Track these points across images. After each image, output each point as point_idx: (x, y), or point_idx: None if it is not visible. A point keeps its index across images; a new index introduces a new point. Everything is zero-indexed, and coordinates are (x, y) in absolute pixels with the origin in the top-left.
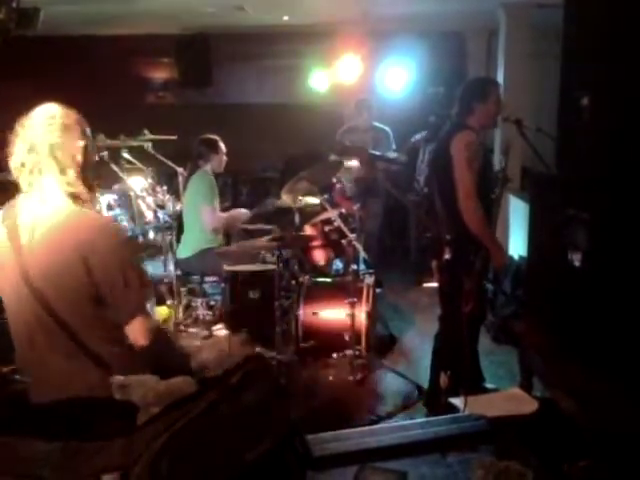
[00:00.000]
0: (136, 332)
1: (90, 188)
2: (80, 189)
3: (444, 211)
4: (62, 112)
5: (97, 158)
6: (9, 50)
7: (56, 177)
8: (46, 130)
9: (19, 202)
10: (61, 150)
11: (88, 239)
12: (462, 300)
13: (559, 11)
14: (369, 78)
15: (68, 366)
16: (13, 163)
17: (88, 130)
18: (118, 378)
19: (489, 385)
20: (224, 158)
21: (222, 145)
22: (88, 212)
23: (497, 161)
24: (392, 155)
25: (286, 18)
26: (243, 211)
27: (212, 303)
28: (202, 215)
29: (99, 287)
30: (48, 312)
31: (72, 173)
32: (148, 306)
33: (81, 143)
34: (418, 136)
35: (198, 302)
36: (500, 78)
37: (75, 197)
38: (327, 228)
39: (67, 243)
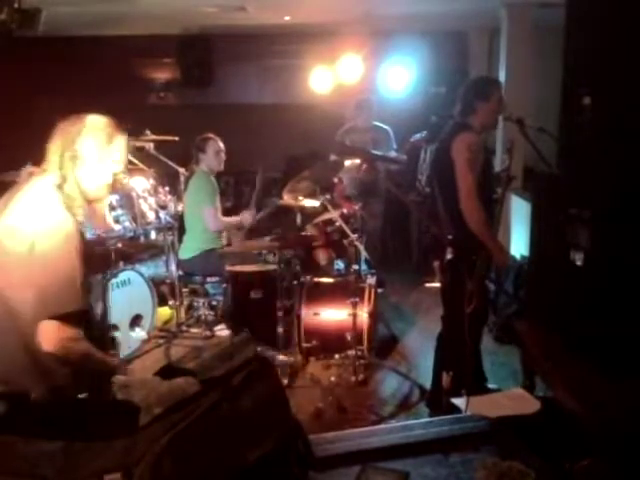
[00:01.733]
0: (43, 336)
1: (89, 202)
2: (76, 201)
3: (446, 211)
4: (110, 125)
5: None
6: (11, 51)
7: (60, 182)
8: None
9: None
10: (82, 162)
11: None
12: (464, 300)
13: (561, 10)
14: (371, 78)
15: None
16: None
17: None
18: (120, 378)
19: (491, 385)
20: (219, 156)
21: (214, 144)
22: (40, 215)
23: (499, 161)
24: (392, 155)
25: (287, 18)
26: (247, 215)
27: (214, 303)
28: (204, 217)
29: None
30: None
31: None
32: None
33: (98, 153)
34: (418, 136)
35: (200, 302)
36: (502, 77)
37: (67, 203)
38: (329, 228)
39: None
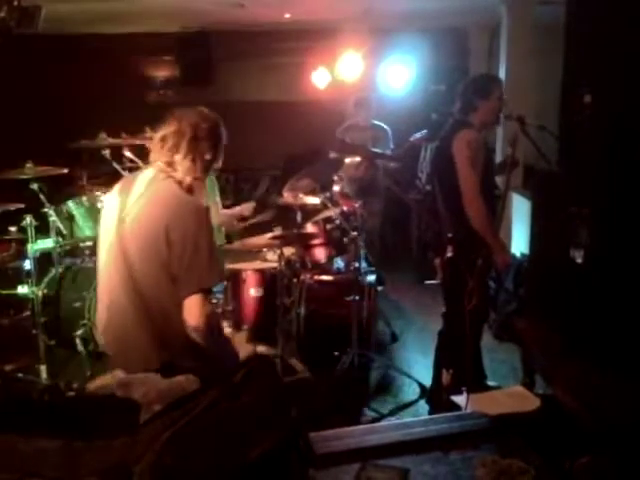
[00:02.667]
0: (190, 310)
1: (201, 181)
2: (197, 176)
3: (446, 209)
4: (215, 118)
5: (214, 172)
6: (11, 48)
7: (184, 161)
8: (199, 124)
9: (137, 175)
10: (200, 144)
11: (175, 212)
12: (465, 298)
13: (561, 8)
14: (370, 75)
15: (132, 331)
16: (158, 135)
17: (224, 142)
18: (120, 376)
19: (491, 383)
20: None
21: None
22: (184, 194)
23: (500, 159)
24: (389, 153)
25: (287, 15)
26: (245, 205)
27: (214, 301)
28: None
29: (173, 256)
30: (130, 274)
31: (199, 164)
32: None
33: (215, 149)
34: (418, 135)
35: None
36: (502, 75)
37: (189, 183)
38: (329, 226)
39: (159, 214)
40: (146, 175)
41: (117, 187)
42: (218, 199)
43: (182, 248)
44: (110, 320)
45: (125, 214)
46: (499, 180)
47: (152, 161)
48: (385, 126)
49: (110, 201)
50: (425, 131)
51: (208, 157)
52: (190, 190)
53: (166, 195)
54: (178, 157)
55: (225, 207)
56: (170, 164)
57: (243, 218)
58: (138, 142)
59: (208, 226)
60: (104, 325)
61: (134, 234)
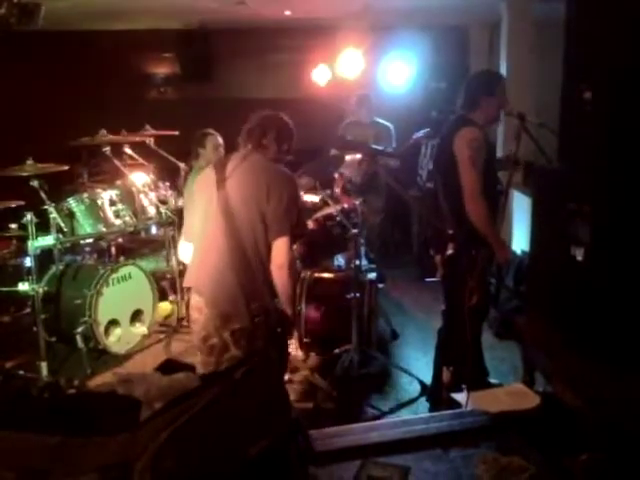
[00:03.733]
0: (278, 249)
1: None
2: (277, 157)
3: (447, 206)
4: (289, 120)
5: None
6: (11, 45)
7: (269, 147)
8: (281, 121)
9: (232, 155)
10: (281, 137)
11: (274, 176)
12: (465, 295)
13: (561, 4)
14: (371, 73)
15: (230, 274)
16: (246, 127)
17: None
18: (121, 373)
19: (493, 380)
20: (218, 151)
21: (213, 139)
22: (278, 165)
23: (504, 152)
24: (390, 150)
25: (287, 13)
26: None
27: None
28: None
29: (268, 208)
30: (231, 225)
31: (278, 152)
32: (294, 255)
33: (289, 142)
34: (420, 133)
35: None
36: (502, 72)
37: (274, 161)
38: (329, 223)
39: (259, 175)
40: (239, 153)
41: (210, 166)
42: None
43: (278, 202)
44: (207, 262)
45: (227, 178)
46: (501, 176)
47: (242, 148)
48: (388, 124)
49: (206, 174)
50: (428, 129)
51: (285, 147)
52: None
53: (264, 164)
54: (266, 140)
55: None
56: (261, 145)
57: None
58: (138, 139)
59: (297, 191)
60: (198, 266)
61: (238, 190)
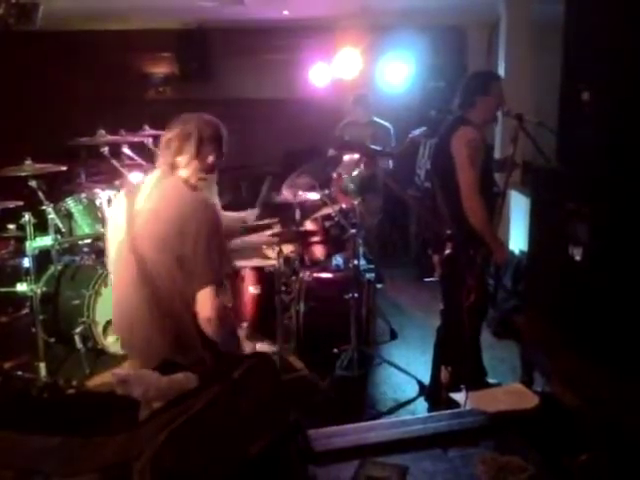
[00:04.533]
0: (202, 302)
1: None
2: (202, 177)
3: (445, 206)
4: (218, 123)
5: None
6: (9, 45)
7: (190, 162)
8: (203, 128)
9: (145, 178)
10: (204, 147)
11: (188, 208)
12: (463, 295)
13: (560, 5)
14: (369, 73)
15: (150, 327)
16: (164, 138)
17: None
18: (119, 373)
19: (492, 380)
20: None
21: None
22: (194, 192)
23: (498, 156)
24: (388, 150)
25: (286, 12)
26: (249, 211)
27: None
28: None
29: (187, 250)
30: (143, 271)
31: (203, 166)
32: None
33: (218, 152)
34: (417, 132)
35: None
36: (501, 72)
37: (195, 182)
38: (327, 223)
39: (171, 210)
40: (153, 176)
41: (123, 191)
42: (217, 199)
43: (195, 242)
44: (122, 317)
45: (135, 213)
46: (498, 177)
47: (158, 165)
48: (387, 124)
49: (117, 203)
50: (424, 128)
51: (211, 159)
52: (195, 189)
53: (177, 193)
54: (183, 159)
55: (224, 207)
56: (175, 165)
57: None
58: (137, 139)
59: (218, 221)
60: (117, 322)
61: (147, 230)
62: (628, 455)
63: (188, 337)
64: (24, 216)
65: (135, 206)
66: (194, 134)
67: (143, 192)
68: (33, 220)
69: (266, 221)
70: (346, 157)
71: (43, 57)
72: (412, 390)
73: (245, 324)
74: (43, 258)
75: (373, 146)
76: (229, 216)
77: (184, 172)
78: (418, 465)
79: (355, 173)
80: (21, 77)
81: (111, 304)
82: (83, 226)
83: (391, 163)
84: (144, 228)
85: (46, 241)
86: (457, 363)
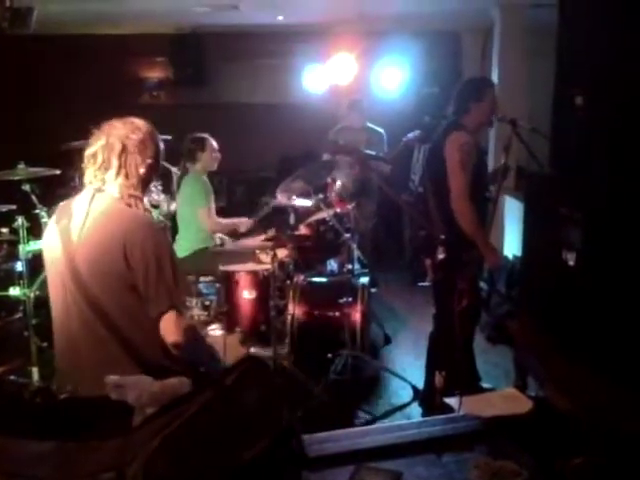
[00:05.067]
0: (167, 328)
1: (140, 198)
2: (133, 194)
3: (438, 211)
4: (147, 128)
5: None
6: (3, 49)
7: (118, 177)
8: (128, 136)
9: (74, 202)
10: (131, 157)
11: (129, 230)
12: (455, 299)
13: (554, 10)
14: (364, 78)
15: (101, 356)
16: (87, 152)
17: (161, 152)
18: (113, 378)
19: (485, 385)
20: (215, 155)
21: (211, 142)
22: (132, 209)
23: (492, 162)
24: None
25: (280, 18)
26: (244, 220)
27: (207, 303)
28: (199, 218)
29: (135, 276)
30: (90, 304)
31: (133, 180)
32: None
33: (149, 161)
34: (411, 135)
35: (193, 302)
36: (495, 78)
37: (127, 199)
38: (322, 228)
39: (111, 234)
40: (84, 198)
41: (54, 217)
42: (212, 204)
43: (145, 267)
44: (68, 349)
45: (71, 241)
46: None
47: (87, 182)
48: (380, 130)
49: (50, 232)
50: (418, 131)
51: (142, 171)
52: (130, 207)
53: (114, 214)
54: (110, 174)
55: (218, 211)
56: (104, 182)
57: (236, 231)
58: None
59: (165, 239)
60: (62, 354)
61: (87, 259)
62: (621, 459)
63: (154, 358)
64: (17, 220)
65: (70, 233)
66: (118, 146)
67: (77, 216)
68: (26, 224)
69: (259, 236)
70: (341, 161)
71: (37, 61)
72: (406, 395)
73: (239, 329)
74: (36, 262)
75: (367, 151)
76: (221, 223)
77: (114, 190)
78: (412, 470)
79: (349, 177)
80: (15, 81)
81: None
82: None
83: (386, 167)
84: (83, 256)
85: (39, 245)
86: (450, 368)
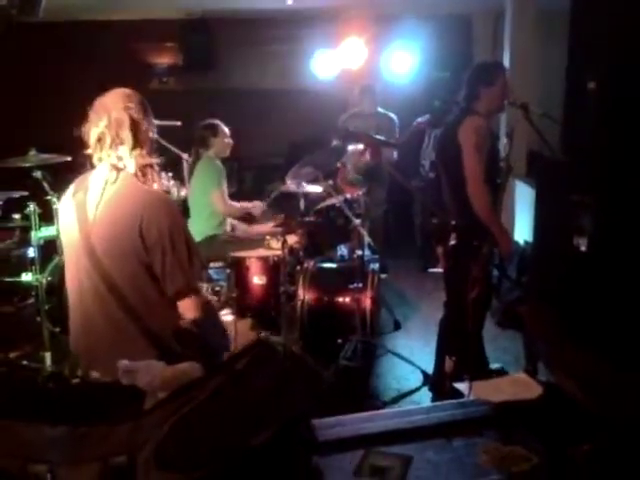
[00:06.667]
0: (185, 306)
1: (153, 167)
2: (148, 162)
3: (450, 197)
4: (131, 91)
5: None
6: (12, 36)
7: (130, 150)
8: (127, 106)
9: (90, 176)
10: (141, 125)
11: (145, 208)
12: (468, 286)
13: None
14: (374, 63)
15: (116, 336)
16: (90, 138)
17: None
18: (124, 363)
19: (494, 365)
20: (227, 141)
21: (224, 128)
22: (146, 187)
23: (503, 146)
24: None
25: (290, 2)
26: (257, 203)
27: (217, 289)
28: (213, 200)
29: (151, 255)
30: (106, 282)
31: (147, 147)
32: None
33: (153, 121)
34: (421, 119)
35: (203, 288)
36: (506, 62)
37: (144, 170)
38: (332, 214)
39: (127, 213)
40: (100, 175)
41: (70, 189)
42: (225, 187)
43: (161, 245)
44: (83, 329)
45: (87, 218)
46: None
47: (98, 162)
48: (392, 115)
49: (66, 206)
50: (428, 116)
51: (152, 135)
52: (147, 181)
53: (130, 192)
54: (125, 148)
55: (229, 197)
56: (120, 159)
57: (249, 215)
58: None
59: (180, 217)
60: (77, 334)
61: (102, 238)
62: (631, 445)
63: (166, 337)
64: (29, 206)
65: (87, 213)
66: (125, 119)
67: (93, 193)
68: (38, 210)
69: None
70: (350, 147)
71: (47, 47)
72: (416, 380)
73: (249, 314)
74: (48, 248)
75: (378, 136)
76: (234, 206)
77: (130, 164)
78: (422, 455)
79: (360, 163)
80: (24, 68)
81: None
82: None
83: (395, 154)
84: (100, 233)
85: (51, 231)
86: (461, 353)
